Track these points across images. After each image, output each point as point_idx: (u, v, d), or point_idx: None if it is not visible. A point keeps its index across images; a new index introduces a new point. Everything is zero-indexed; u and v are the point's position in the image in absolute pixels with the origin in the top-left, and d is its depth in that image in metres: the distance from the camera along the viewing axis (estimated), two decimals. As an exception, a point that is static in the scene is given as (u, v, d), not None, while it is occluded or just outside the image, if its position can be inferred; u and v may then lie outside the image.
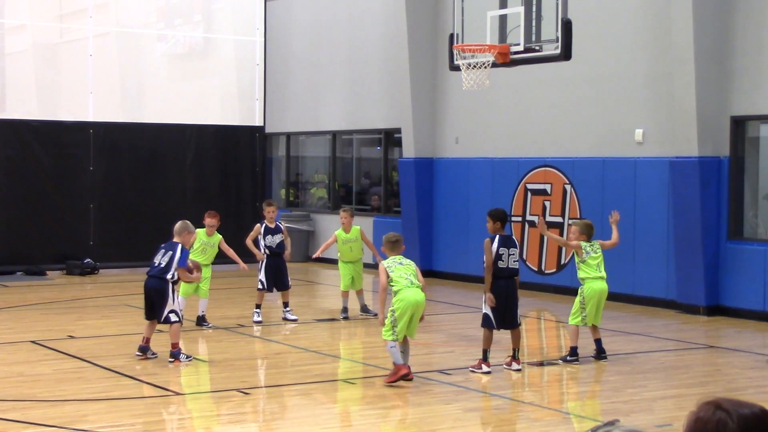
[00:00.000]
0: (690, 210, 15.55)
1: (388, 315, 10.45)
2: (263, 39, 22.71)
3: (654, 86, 16.44)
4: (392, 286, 10.47)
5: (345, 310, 15.15)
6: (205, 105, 22.64)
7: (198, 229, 14.08)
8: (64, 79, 21.73)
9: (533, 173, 18.41)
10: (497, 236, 11.23)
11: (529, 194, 18.49)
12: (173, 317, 11.44)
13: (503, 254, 11.16)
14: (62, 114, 21.27)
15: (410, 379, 10.51)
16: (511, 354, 11.34)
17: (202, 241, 14.09)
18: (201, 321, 14.05)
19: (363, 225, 16.63)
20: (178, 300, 11.78)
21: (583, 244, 11.88)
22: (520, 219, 18.57)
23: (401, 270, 10.48)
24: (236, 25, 23.11)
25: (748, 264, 15.21)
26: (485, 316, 11.18)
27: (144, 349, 11.65)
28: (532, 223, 18.40)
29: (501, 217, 11.42)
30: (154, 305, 11.49)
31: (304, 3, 24.54)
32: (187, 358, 11.56)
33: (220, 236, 14.26)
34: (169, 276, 11.41)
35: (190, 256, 13.45)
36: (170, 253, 11.50)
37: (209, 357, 12.39)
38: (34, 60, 21.65)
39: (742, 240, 15.47)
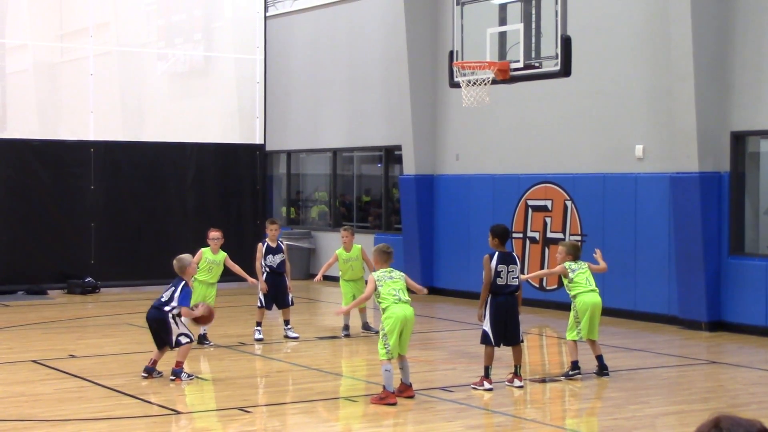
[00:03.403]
0: (691, 225, 15.54)
1: (380, 333, 10.43)
2: (263, 57, 22.76)
3: (654, 102, 16.46)
4: (380, 302, 10.44)
5: (347, 327, 15.13)
6: (206, 123, 22.67)
7: (203, 249, 14.12)
8: (65, 99, 21.78)
9: (534, 189, 18.41)
10: (496, 253, 11.21)
11: (530, 210, 18.49)
12: (183, 339, 11.47)
13: (502, 271, 11.13)
14: (63, 133, 21.31)
15: (412, 397, 10.50)
16: (512, 371, 11.31)
17: (208, 260, 14.08)
18: (202, 339, 14.03)
19: (364, 242, 16.62)
20: (183, 323, 11.70)
21: (568, 264, 11.87)
22: (521, 235, 18.57)
23: (390, 285, 10.42)
24: (236, 43, 23.17)
25: (749, 279, 15.19)
26: (484, 333, 11.16)
27: (150, 371, 11.62)
28: (533, 240, 18.40)
29: (500, 234, 11.39)
30: (159, 335, 11.53)
31: (304, 21, 24.61)
32: (188, 376, 11.54)
33: (225, 254, 14.26)
34: (167, 309, 11.45)
35: (197, 275, 13.53)
36: (173, 289, 11.58)
37: (211, 375, 12.36)
38: (34, 79, 21.70)
39: (743, 255, 15.45)
